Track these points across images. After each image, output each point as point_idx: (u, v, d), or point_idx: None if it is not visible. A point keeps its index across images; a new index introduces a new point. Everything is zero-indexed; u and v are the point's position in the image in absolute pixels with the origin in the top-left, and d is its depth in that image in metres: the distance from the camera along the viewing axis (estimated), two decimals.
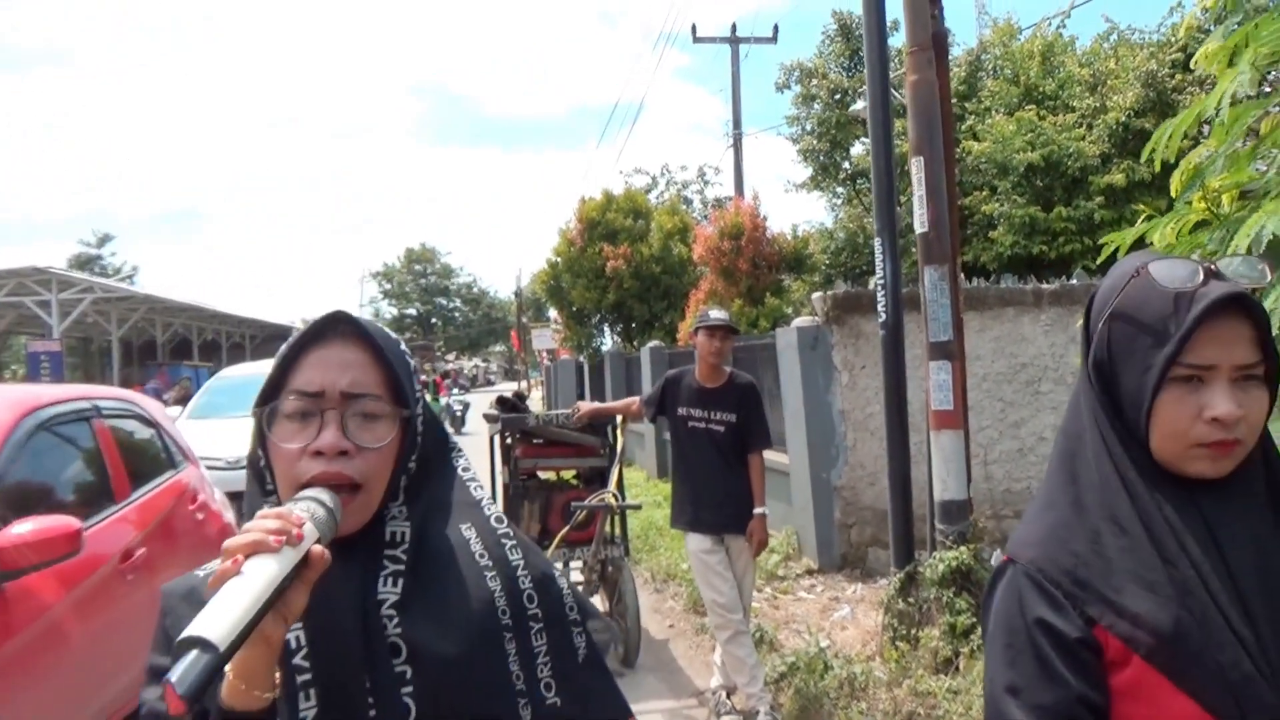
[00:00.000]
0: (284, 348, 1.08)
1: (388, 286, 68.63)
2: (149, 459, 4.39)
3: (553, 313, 27.50)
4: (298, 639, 0.98)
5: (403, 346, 1.12)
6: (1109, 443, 1.05)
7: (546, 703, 1.07)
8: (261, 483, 1.06)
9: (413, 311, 68.98)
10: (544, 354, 33.43)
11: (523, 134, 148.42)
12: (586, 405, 5.30)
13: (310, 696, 0.96)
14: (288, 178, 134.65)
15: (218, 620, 0.79)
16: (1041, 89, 13.44)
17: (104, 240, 43.20)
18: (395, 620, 1.00)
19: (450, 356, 65.86)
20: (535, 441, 5.33)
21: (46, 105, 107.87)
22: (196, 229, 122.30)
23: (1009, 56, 14.30)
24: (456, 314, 70.78)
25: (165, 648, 1.01)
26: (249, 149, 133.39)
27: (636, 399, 4.90)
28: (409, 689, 0.98)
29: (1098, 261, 3.78)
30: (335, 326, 1.07)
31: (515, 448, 5.25)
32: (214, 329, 31.58)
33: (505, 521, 1.16)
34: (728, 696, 4.42)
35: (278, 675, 0.92)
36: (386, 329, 1.12)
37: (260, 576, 0.83)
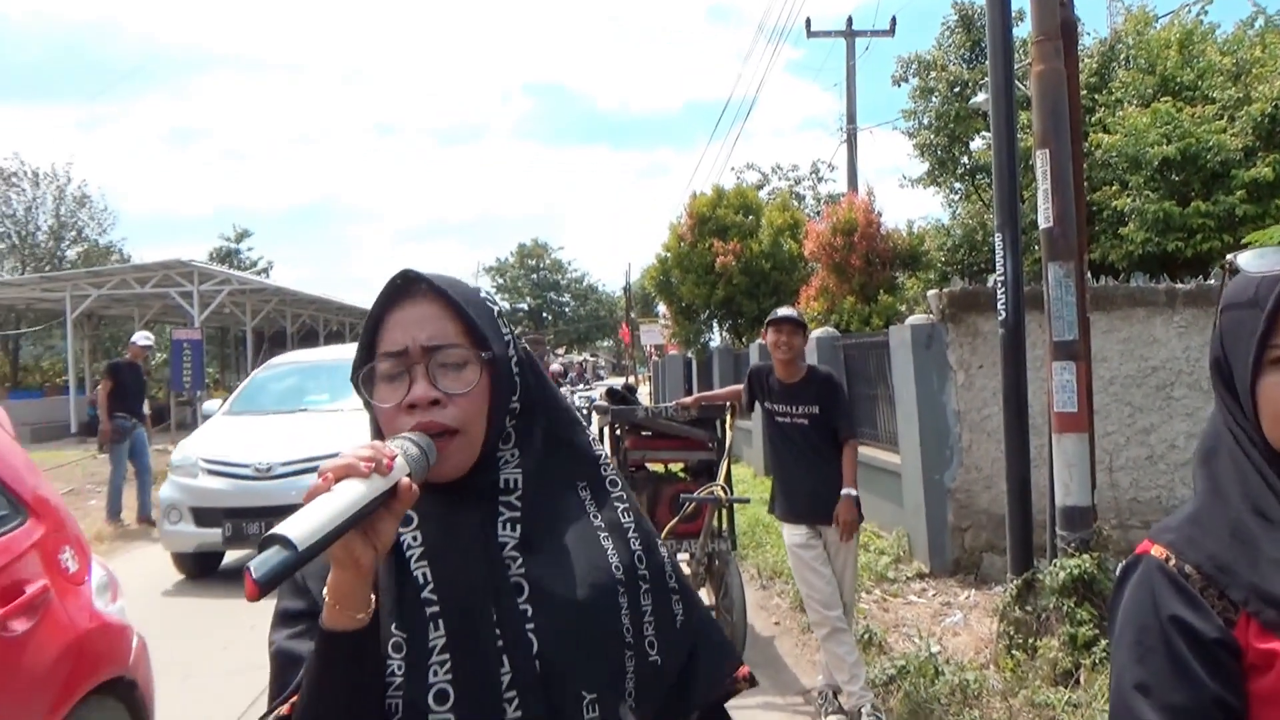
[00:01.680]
0: (369, 315, 1.14)
1: (501, 281, 70.27)
2: None
3: (661, 308, 27.62)
4: (424, 574, 1.04)
5: (482, 293, 1.16)
6: (1236, 435, 1.04)
7: (649, 659, 1.12)
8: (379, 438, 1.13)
9: (524, 305, 70.45)
10: (652, 349, 33.62)
11: (634, 131, 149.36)
12: (688, 399, 5.35)
13: (439, 626, 1.02)
14: (408, 175, 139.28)
15: (301, 523, 0.85)
16: (1179, 79, 12.71)
17: (242, 235, 45.51)
18: (520, 561, 1.07)
19: (560, 351, 66.96)
20: (644, 434, 5.40)
21: (190, 109, 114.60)
22: (324, 225, 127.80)
23: (1143, 46, 13.57)
24: (566, 308, 71.93)
25: (292, 591, 1.09)
26: (373, 148, 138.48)
27: (742, 385, 4.93)
28: (531, 625, 1.04)
29: None
30: (408, 286, 1.12)
31: (624, 439, 5.31)
32: (339, 320, 32.95)
33: (619, 484, 1.21)
34: (834, 695, 4.38)
35: (372, 600, 0.98)
36: (460, 278, 1.16)
37: (347, 495, 0.90)
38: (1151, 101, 12.40)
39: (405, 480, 0.95)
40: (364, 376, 1.11)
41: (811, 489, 4.29)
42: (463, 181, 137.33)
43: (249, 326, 25.65)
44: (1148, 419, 6.71)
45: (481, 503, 1.09)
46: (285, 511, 0.88)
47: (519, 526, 1.08)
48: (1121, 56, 14.09)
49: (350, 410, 7.21)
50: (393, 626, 1.03)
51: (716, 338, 20.70)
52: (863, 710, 4.08)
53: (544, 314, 70.95)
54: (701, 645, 1.21)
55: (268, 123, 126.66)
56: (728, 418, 5.23)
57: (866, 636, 5.06)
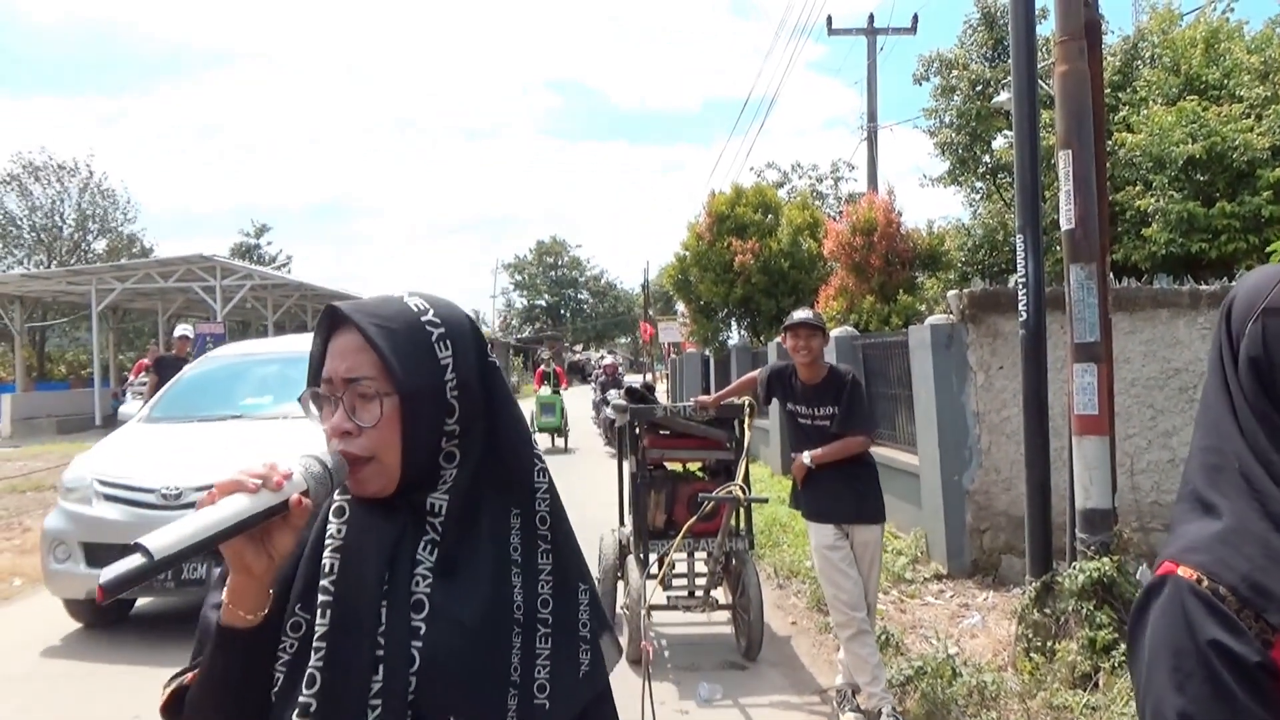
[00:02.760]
0: (313, 342, 1.21)
1: (519, 278, 70.43)
2: None
3: (680, 306, 27.60)
4: (331, 565, 1.09)
5: (423, 317, 1.17)
6: (1260, 445, 0.99)
7: (535, 701, 1.12)
8: None
9: (542, 302, 70.56)
10: (669, 347, 33.60)
11: (653, 128, 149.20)
12: (707, 398, 5.36)
13: (325, 615, 1.07)
14: (426, 171, 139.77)
15: (165, 535, 0.92)
16: (1205, 78, 12.57)
17: (261, 231, 45.96)
18: (428, 580, 1.11)
19: (577, 347, 66.98)
20: (663, 433, 5.41)
21: (211, 105, 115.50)
22: (343, 221, 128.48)
23: (1169, 44, 13.42)
24: (584, 305, 72.01)
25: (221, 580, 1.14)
26: (391, 144, 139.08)
27: (755, 374, 4.93)
28: (419, 643, 1.08)
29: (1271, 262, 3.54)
30: (334, 318, 1.17)
31: (643, 438, 5.33)
32: None
33: (550, 520, 1.21)
34: (853, 695, 4.38)
35: (267, 601, 1.07)
36: (400, 308, 1.17)
37: (226, 509, 0.96)
38: (1177, 100, 12.27)
39: (297, 496, 1.01)
40: (311, 395, 1.18)
41: (838, 489, 4.29)
42: (481, 178, 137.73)
43: (270, 321, 25.86)
44: (1170, 421, 6.66)
45: (411, 519, 1.14)
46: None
47: (436, 550, 1.12)
48: (1146, 55, 13.94)
49: (295, 418, 6.08)
50: (297, 607, 1.09)
51: (735, 336, 20.67)
52: (883, 711, 4.08)
53: (562, 311, 71.05)
54: (600, 705, 1.22)
55: (287, 118, 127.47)
56: (746, 418, 5.23)
57: (884, 637, 5.06)
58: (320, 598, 1.08)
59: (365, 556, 1.10)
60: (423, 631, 1.09)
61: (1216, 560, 0.98)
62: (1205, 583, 0.97)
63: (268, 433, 6.21)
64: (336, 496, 1.15)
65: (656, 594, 5.19)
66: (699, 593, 5.43)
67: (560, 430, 17.37)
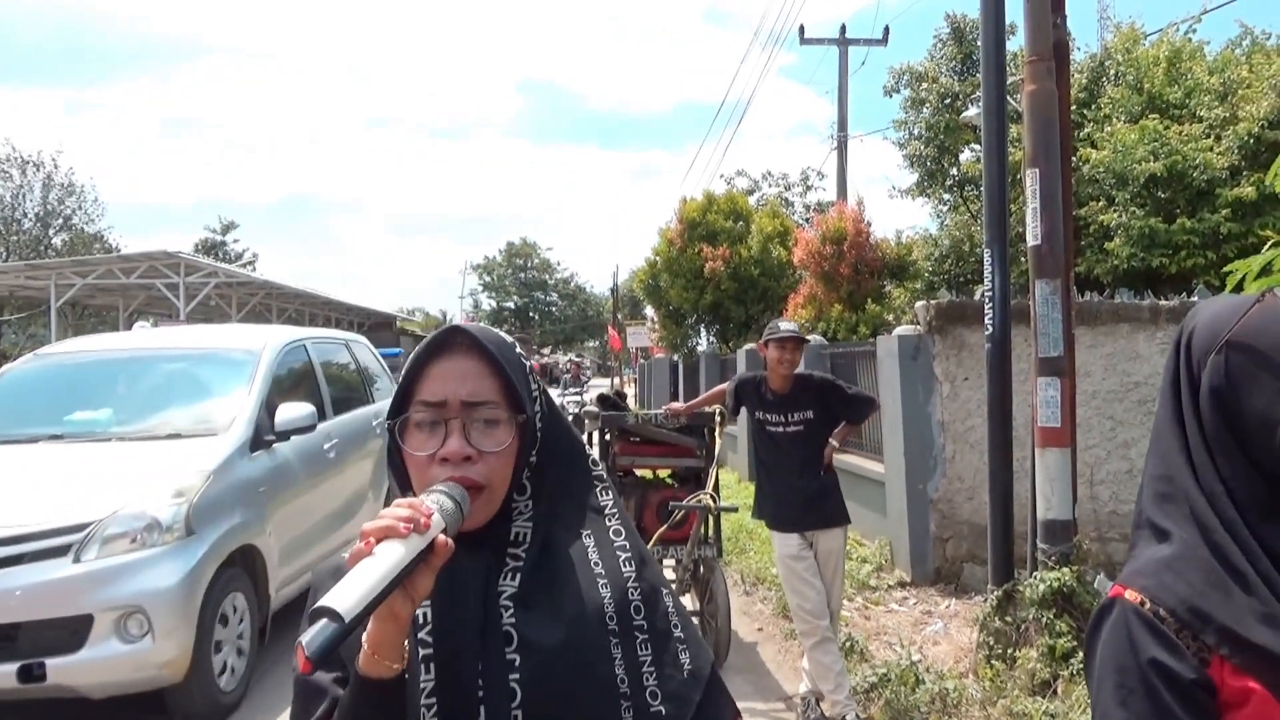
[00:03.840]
0: (409, 361, 1.16)
1: (488, 279, 70.17)
2: None
3: (650, 311, 27.64)
4: (424, 615, 1.06)
5: (518, 350, 1.19)
6: (1226, 474, 1.04)
7: (651, 709, 1.11)
8: (401, 482, 1.16)
9: (511, 304, 70.36)
10: (637, 352, 33.65)
11: (626, 132, 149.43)
12: (678, 405, 5.39)
13: (430, 669, 1.05)
14: (396, 171, 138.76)
15: (347, 594, 0.89)
16: (1166, 97, 12.86)
17: (228, 228, 45.39)
18: (510, 611, 1.09)
19: (545, 350, 66.78)
20: (633, 440, 5.43)
21: (179, 98, 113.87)
22: (311, 219, 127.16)
23: (1132, 63, 13.72)
24: (553, 308, 71.90)
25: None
26: (361, 142, 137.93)
27: (724, 385, 4.96)
28: (516, 675, 1.06)
29: (1226, 283, 3.64)
30: (454, 339, 1.15)
31: (613, 444, 5.35)
32: (325, 315, 32.85)
33: (624, 533, 1.22)
34: (817, 703, 4.43)
35: (405, 648, 1.01)
36: (502, 336, 1.19)
37: (388, 558, 0.92)
38: (1139, 118, 12.54)
39: (442, 538, 0.98)
40: (401, 424, 1.13)
41: (806, 497, 4.34)
42: (453, 178, 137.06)
43: (235, 319, 25.55)
44: (1129, 433, 6.80)
45: (490, 552, 1.12)
46: None
47: (519, 576, 1.11)
48: (1111, 73, 14.24)
49: (132, 440, 4.98)
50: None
51: (704, 342, 20.76)
52: (847, 717, 4.13)
53: (530, 313, 70.89)
54: (710, 695, 1.21)
55: (257, 114, 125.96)
56: (716, 425, 5.27)
57: (849, 644, 5.11)
58: (421, 651, 1.05)
59: (458, 603, 1.09)
60: (517, 663, 1.07)
61: (1159, 584, 1.04)
62: (1148, 605, 1.04)
63: (94, 459, 4.79)
64: None
65: None
66: None
67: None
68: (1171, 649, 1.01)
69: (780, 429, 4.39)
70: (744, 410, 4.65)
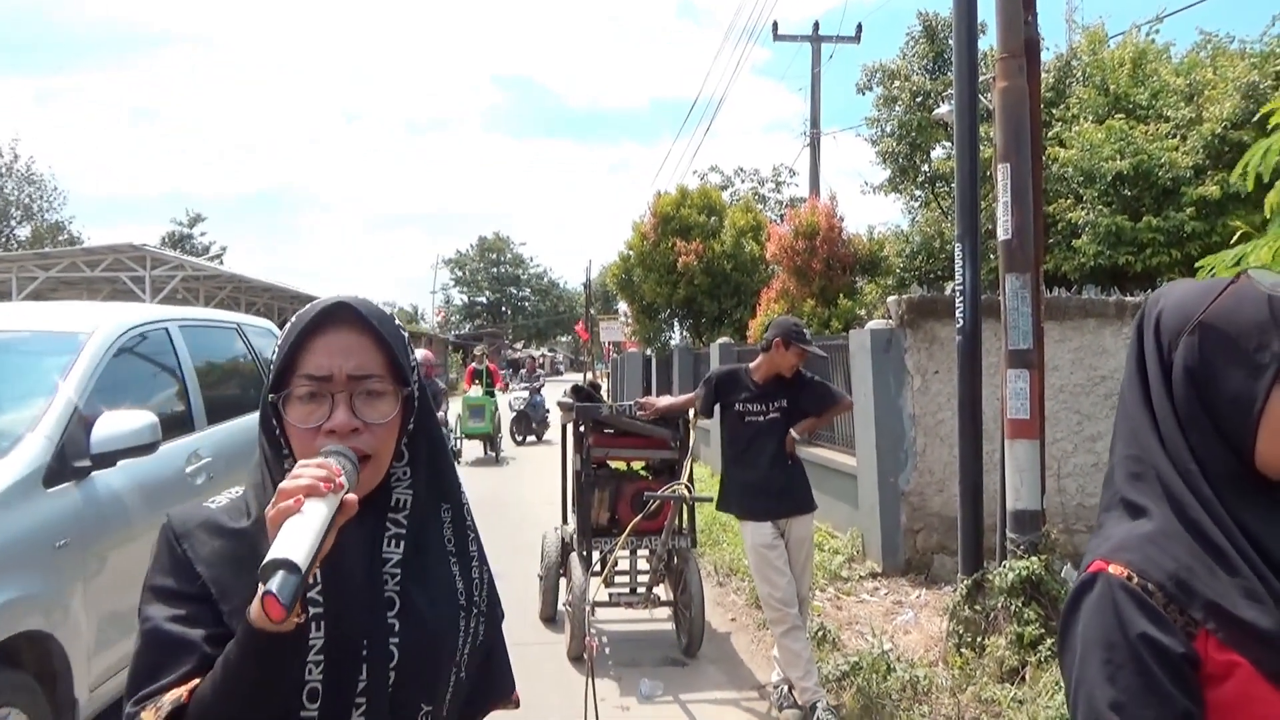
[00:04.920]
0: (287, 334, 1.17)
1: (460, 274, 69.77)
2: None
3: (623, 305, 27.63)
4: (315, 576, 1.08)
5: (398, 324, 1.23)
6: (1199, 453, 1.05)
7: (459, 676, 1.22)
8: (278, 451, 1.17)
9: (483, 299, 70.04)
10: (610, 346, 33.64)
11: (599, 127, 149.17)
12: (658, 401, 5.40)
13: (320, 627, 1.09)
14: (368, 164, 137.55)
15: (295, 546, 0.93)
16: (1132, 97, 13.06)
17: (195, 220, 44.76)
18: (396, 578, 1.15)
19: (519, 345, 66.53)
20: (607, 431, 5.44)
21: (145, 89, 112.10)
22: (281, 212, 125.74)
23: (1098, 64, 13.92)
24: (526, 303, 71.66)
25: (176, 571, 1.12)
26: (332, 135, 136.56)
27: (698, 392, 4.98)
28: (395, 639, 1.13)
29: (1197, 278, 3.71)
30: (337, 314, 1.16)
31: (588, 436, 5.36)
32: (295, 309, 32.51)
33: (468, 514, 1.31)
34: (789, 690, 4.47)
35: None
36: (383, 310, 1.21)
37: (316, 514, 0.97)
38: (1106, 118, 12.72)
39: (351, 496, 1.02)
40: (283, 399, 1.14)
41: (781, 486, 4.41)
42: (426, 173, 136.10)
43: None
44: (1095, 427, 6.91)
45: (374, 517, 1.16)
46: None
47: (402, 544, 1.17)
48: (1078, 73, 14.43)
49: None
50: None
51: (677, 336, 20.79)
52: (817, 705, 4.17)
53: (503, 308, 70.62)
54: (492, 663, 1.31)
55: (226, 105, 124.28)
56: (691, 417, 5.30)
57: (820, 634, 5.17)
58: (310, 610, 1.07)
59: (349, 564, 1.12)
60: (397, 628, 1.13)
61: (1145, 559, 1.04)
62: (1135, 579, 1.03)
63: None
64: None
65: (599, 591, 5.22)
66: (641, 590, 5.47)
67: (491, 438, 14.78)
68: (1160, 623, 1.01)
69: (761, 417, 4.47)
70: (717, 408, 4.67)
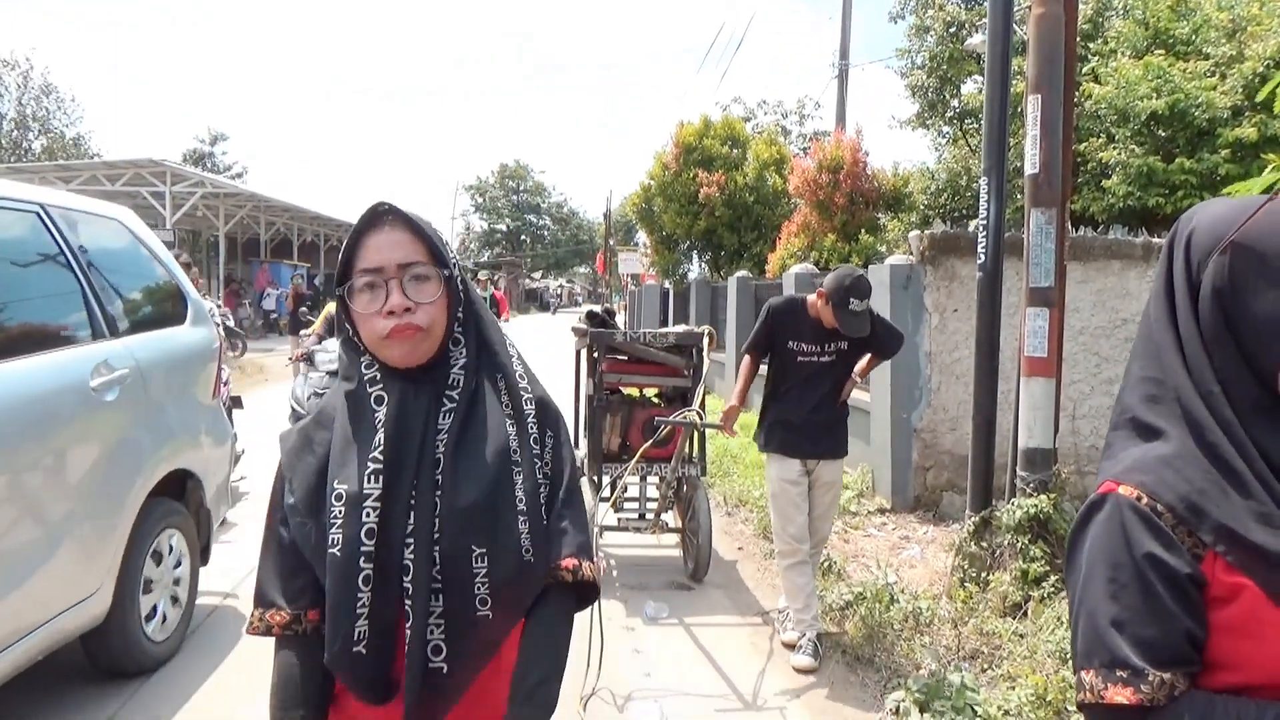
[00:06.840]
0: (348, 239, 1.40)
1: (480, 200, 69.24)
2: None
3: (642, 236, 27.43)
4: (383, 438, 1.34)
5: (430, 221, 1.45)
6: (1223, 374, 1.03)
7: (542, 522, 1.43)
8: (354, 346, 1.41)
9: (502, 227, 69.57)
10: (628, 278, 33.49)
11: (624, 57, 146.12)
12: (736, 399, 4.55)
13: (378, 480, 1.33)
14: (391, 88, 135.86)
15: None
16: (1173, 32, 12.62)
17: (217, 139, 44.41)
18: (446, 444, 1.37)
19: (536, 274, 66.31)
20: (620, 358, 5.44)
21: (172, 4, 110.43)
22: (303, 134, 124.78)
23: None
24: (545, 232, 71.13)
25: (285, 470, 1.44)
26: (357, 59, 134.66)
27: (746, 369, 4.52)
28: (439, 492, 1.35)
29: None
30: (383, 216, 1.39)
31: (601, 362, 5.36)
32: (314, 230, 32.44)
33: (526, 377, 1.50)
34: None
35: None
36: (416, 212, 1.42)
37: None
38: (1144, 54, 12.33)
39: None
40: (347, 290, 1.37)
41: (820, 428, 4.28)
42: (447, 98, 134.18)
43: (222, 231, 25.22)
44: (1114, 369, 6.85)
45: (432, 390, 1.39)
46: None
47: (452, 417, 1.38)
48: (1118, 5, 13.95)
49: None
50: (335, 481, 1.34)
51: (696, 269, 20.65)
52: (806, 634, 4.23)
53: (522, 236, 70.19)
54: (557, 523, 1.46)
55: (255, 21, 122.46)
56: (705, 344, 5.28)
57: (827, 564, 5.22)
58: (371, 465, 1.33)
59: (407, 429, 1.36)
60: (441, 483, 1.35)
61: (1158, 480, 1.03)
62: (1145, 500, 1.03)
63: None
64: (370, 387, 1.37)
65: (608, 516, 5.28)
66: (650, 515, 5.52)
67: None
68: (1167, 543, 1.01)
69: (814, 359, 4.27)
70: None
